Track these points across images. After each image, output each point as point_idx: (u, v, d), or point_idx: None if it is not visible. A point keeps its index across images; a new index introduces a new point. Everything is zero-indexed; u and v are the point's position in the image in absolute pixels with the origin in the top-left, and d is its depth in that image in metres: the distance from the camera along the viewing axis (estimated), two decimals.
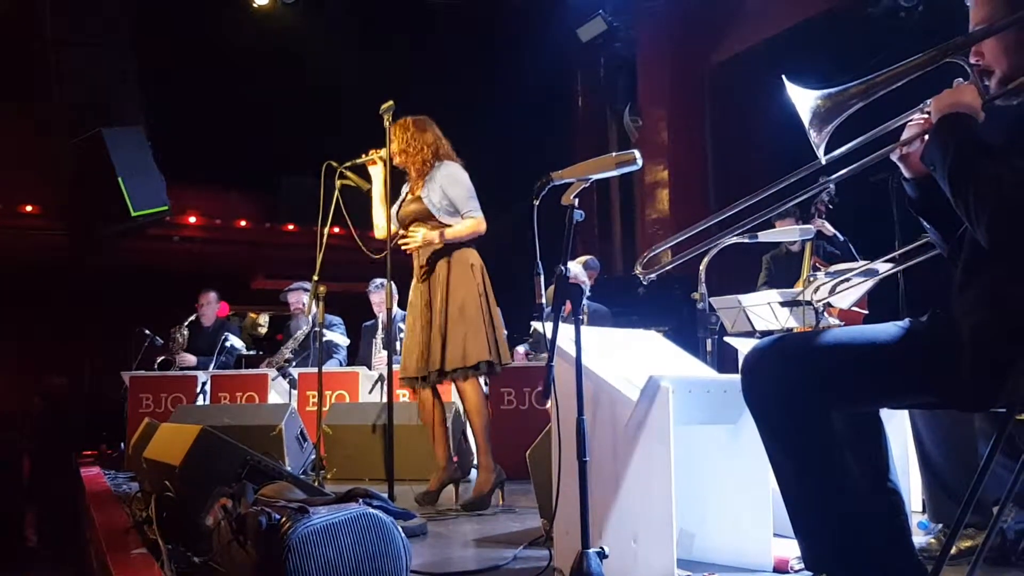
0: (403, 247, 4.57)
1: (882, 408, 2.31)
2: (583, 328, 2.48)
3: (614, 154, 2.55)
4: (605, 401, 2.65)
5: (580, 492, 2.37)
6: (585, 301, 6.14)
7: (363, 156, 4.67)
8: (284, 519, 2.21)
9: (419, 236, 4.47)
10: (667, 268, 2.86)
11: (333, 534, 2.19)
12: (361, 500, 2.39)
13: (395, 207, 4.66)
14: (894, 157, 2.28)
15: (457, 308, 4.43)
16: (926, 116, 2.20)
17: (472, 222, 4.50)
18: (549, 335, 2.50)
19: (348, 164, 4.68)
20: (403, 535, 2.31)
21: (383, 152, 4.59)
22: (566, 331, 2.56)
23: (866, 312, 5.55)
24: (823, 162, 2.18)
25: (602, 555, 2.34)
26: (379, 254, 4.59)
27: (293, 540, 2.13)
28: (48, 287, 10.76)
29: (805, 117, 2.11)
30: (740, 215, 2.52)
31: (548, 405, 2.70)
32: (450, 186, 4.54)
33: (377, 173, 4.72)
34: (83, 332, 11.21)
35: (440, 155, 4.63)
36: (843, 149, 2.23)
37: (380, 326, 7.52)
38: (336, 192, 4.67)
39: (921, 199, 2.31)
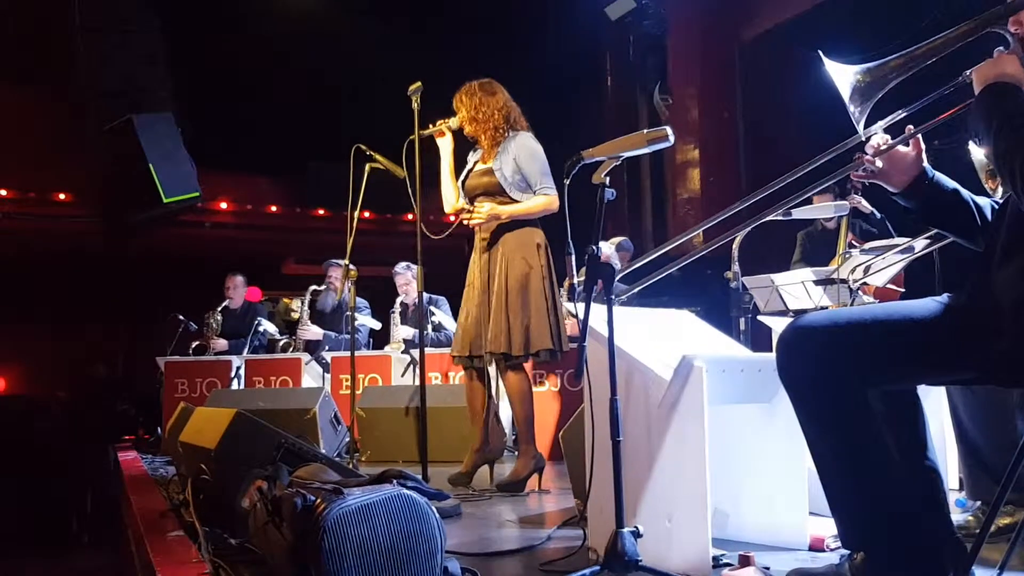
0: (466, 222, 4.37)
1: (919, 385, 2.28)
2: (615, 308, 2.47)
3: (645, 131, 2.52)
4: (638, 381, 2.63)
5: (614, 472, 2.36)
6: None
7: (430, 127, 4.44)
8: (319, 500, 2.22)
9: (484, 211, 4.25)
10: (637, 288, 2.87)
11: (368, 515, 2.19)
12: (395, 481, 2.39)
13: (461, 177, 4.49)
14: (869, 167, 2.24)
15: (519, 290, 4.23)
16: (886, 138, 2.19)
17: (545, 199, 4.28)
18: (581, 315, 2.49)
19: (414, 136, 4.39)
20: (437, 515, 2.30)
21: (452, 122, 4.41)
22: (598, 311, 2.54)
23: (902, 290, 5.48)
24: (863, 137, 2.15)
25: (636, 534, 2.33)
26: (440, 235, 4.39)
27: (328, 521, 2.13)
28: (82, 274, 10.87)
29: (845, 92, 2.09)
30: (767, 201, 2.49)
31: (581, 386, 2.69)
32: (525, 159, 4.31)
33: (445, 145, 4.50)
34: (117, 319, 11.35)
35: (512, 121, 4.41)
36: (882, 123, 2.19)
37: (398, 305, 7.55)
38: (412, 169, 4.41)
39: (921, 207, 2.29)
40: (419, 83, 4.32)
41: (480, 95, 4.41)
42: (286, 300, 9.07)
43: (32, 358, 11.39)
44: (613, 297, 2.44)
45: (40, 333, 11.13)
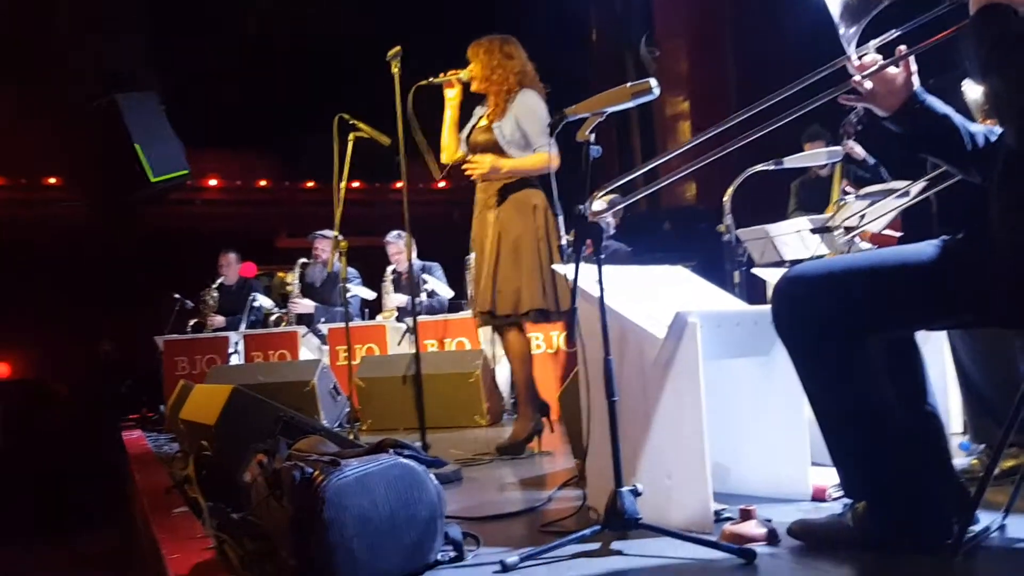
0: (467, 173, 4.32)
1: (919, 331, 2.25)
2: (605, 268, 2.44)
3: (628, 84, 2.47)
4: (632, 340, 2.61)
5: (611, 432, 2.35)
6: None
7: (440, 75, 4.35)
8: (317, 472, 2.21)
9: (485, 163, 4.22)
10: (629, 201, 2.81)
11: (366, 485, 2.18)
12: (392, 450, 2.38)
13: (466, 130, 4.45)
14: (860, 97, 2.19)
15: (510, 251, 4.23)
16: (877, 58, 2.15)
17: (541, 156, 4.17)
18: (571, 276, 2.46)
19: (423, 83, 4.27)
20: (436, 482, 2.30)
21: (462, 74, 4.33)
22: (588, 271, 2.51)
23: (900, 235, 5.43)
24: (854, 58, 2.10)
25: (636, 493, 2.32)
26: (443, 172, 4.39)
27: (328, 492, 2.13)
28: (76, 258, 10.83)
29: (835, 10, 2.04)
30: (757, 119, 2.43)
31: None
32: (524, 117, 4.26)
33: (452, 95, 4.41)
34: (113, 299, 11.32)
35: (525, 84, 4.34)
36: (875, 42, 2.14)
37: (390, 273, 7.57)
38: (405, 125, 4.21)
39: (911, 131, 2.23)
40: (398, 47, 4.22)
41: (499, 56, 4.33)
42: (281, 274, 9.05)
43: (33, 342, 11.37)
44: (602, 256, 2.41)
45: (39, 317, 11.11)
